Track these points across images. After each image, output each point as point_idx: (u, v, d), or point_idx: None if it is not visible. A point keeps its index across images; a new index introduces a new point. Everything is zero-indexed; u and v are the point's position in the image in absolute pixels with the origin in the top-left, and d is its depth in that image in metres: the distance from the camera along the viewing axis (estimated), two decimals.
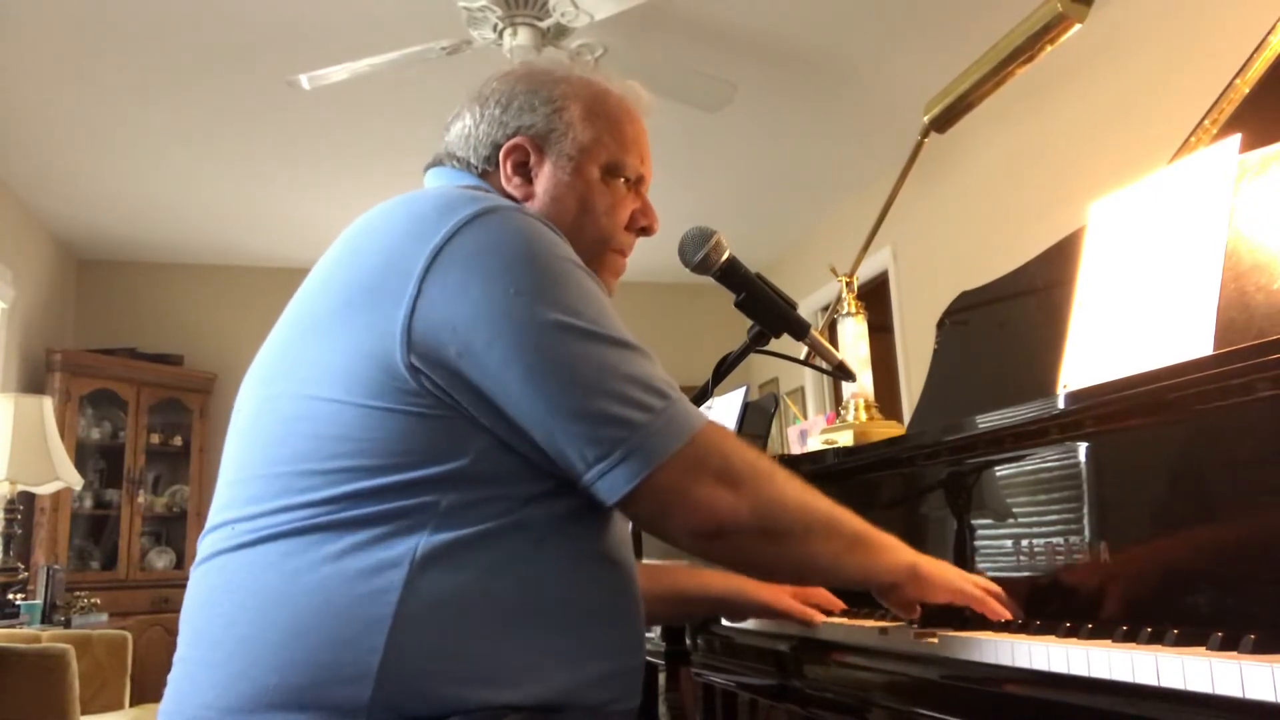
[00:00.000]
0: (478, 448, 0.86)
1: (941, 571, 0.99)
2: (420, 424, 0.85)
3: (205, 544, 0.92)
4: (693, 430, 0.88)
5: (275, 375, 0.94)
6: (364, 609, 0.81)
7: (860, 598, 1.18)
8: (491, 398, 0.86)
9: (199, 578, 0.91)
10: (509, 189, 1.07)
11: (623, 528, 1.00)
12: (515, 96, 1.08)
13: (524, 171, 1.07)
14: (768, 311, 1.29)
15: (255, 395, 0.95)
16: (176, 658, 0.90)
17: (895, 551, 0.98)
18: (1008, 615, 0.96)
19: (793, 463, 1.46)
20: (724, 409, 2.21)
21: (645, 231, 1.13)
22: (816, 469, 1.40)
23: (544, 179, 1.07)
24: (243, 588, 0.86)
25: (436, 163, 1.12)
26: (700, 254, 1.26)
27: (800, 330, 1.30)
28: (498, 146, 1.07)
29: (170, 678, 0.90)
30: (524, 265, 0.88)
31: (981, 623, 0.97)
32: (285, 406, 0.90)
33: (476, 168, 1.08)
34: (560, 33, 3.12)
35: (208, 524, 0.93)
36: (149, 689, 4.09)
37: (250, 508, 0.88)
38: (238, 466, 0.93)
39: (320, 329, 0.91)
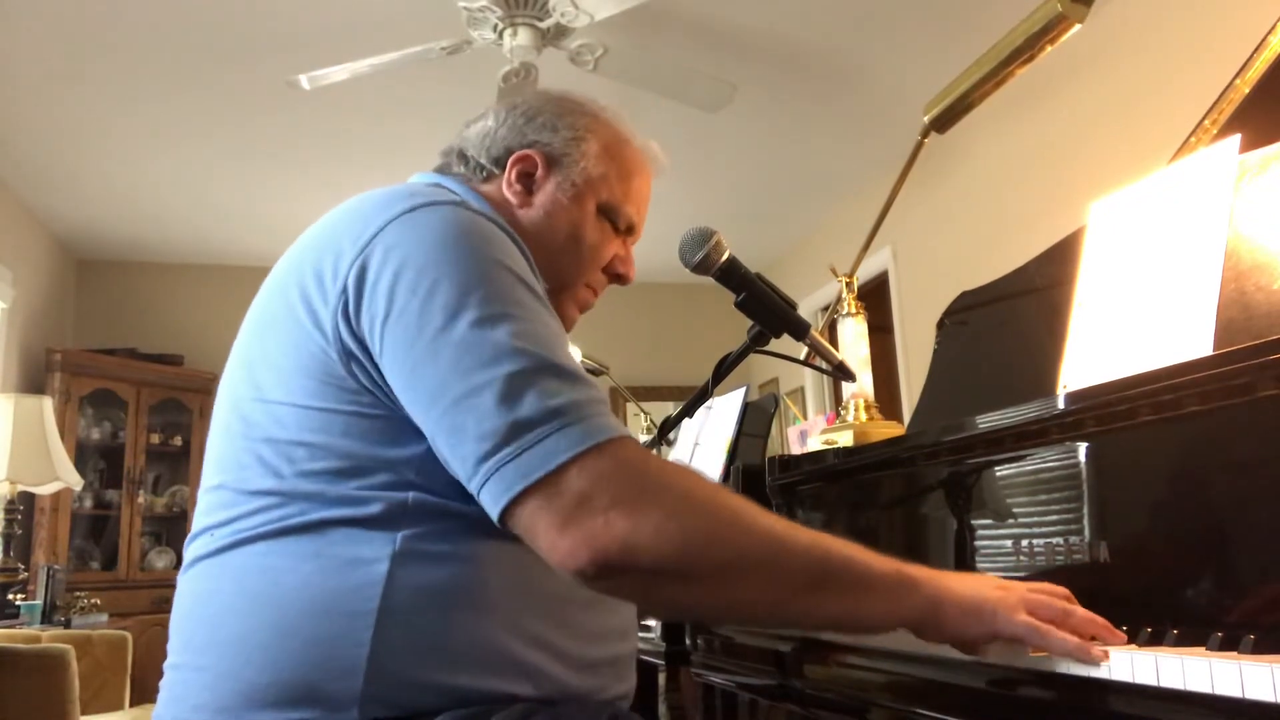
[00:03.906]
0: (422, 447, 0.84)
1: (974, 613, 0.80)
2: (364, 424, 0.85)
3: (189, 551, 0.92)
4: (585, 443, 0.76)
5: (238, 380, 0.94)
6: (348, 604, 0.82)
7: None
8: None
9: (184, 585, 0.91)
10: (508, 194, 1.07)
11: None
12: (541, 113, 1.10)
13: (528, 182, 1.08)
14: (768, 311, 1.29)
15: (224, 400, 0.96)
16: (167, 665, 0.90)
17: (898, 595, 0.80)
18: (1097, 654, 0.74)
19: (793, 463, 1.46)
20: (724, 409, 2.21)
21: (620, 279, 1.15)
22: (816, 469, 1.40)
23: (544, 195, 1.08)
24: (227, 591, 0.86)
25: (440, 166, 1.12)
26: (700, 254, 1.27)
27: (800, 330, 1.30)
28: (510, 151, 1.08)
29: (162, 684, 0.90)
30: (438, 259, 0.84)
31: None
32: (245, 411, 0.91)
33: (483, 168, 1.09)
34: (560, 33, 3.12)
35: (191, 530, 0.93)
36: (149, 689, 4.08)
37: (225, 513, 0.88)
38: (212, 473, 0.93)
39: (270, 330, 0.92)
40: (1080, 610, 0.80)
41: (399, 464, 0.85)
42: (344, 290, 0.86)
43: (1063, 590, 0.84)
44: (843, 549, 0.82)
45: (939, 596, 0.81)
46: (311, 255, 0.91)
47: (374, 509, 0.84)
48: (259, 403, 0.89)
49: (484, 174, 1.09)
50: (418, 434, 0.85)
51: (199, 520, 0.92)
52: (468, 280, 0.83)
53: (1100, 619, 0.79)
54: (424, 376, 0.81)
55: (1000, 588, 0.82)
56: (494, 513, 0.78)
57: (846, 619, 0.84)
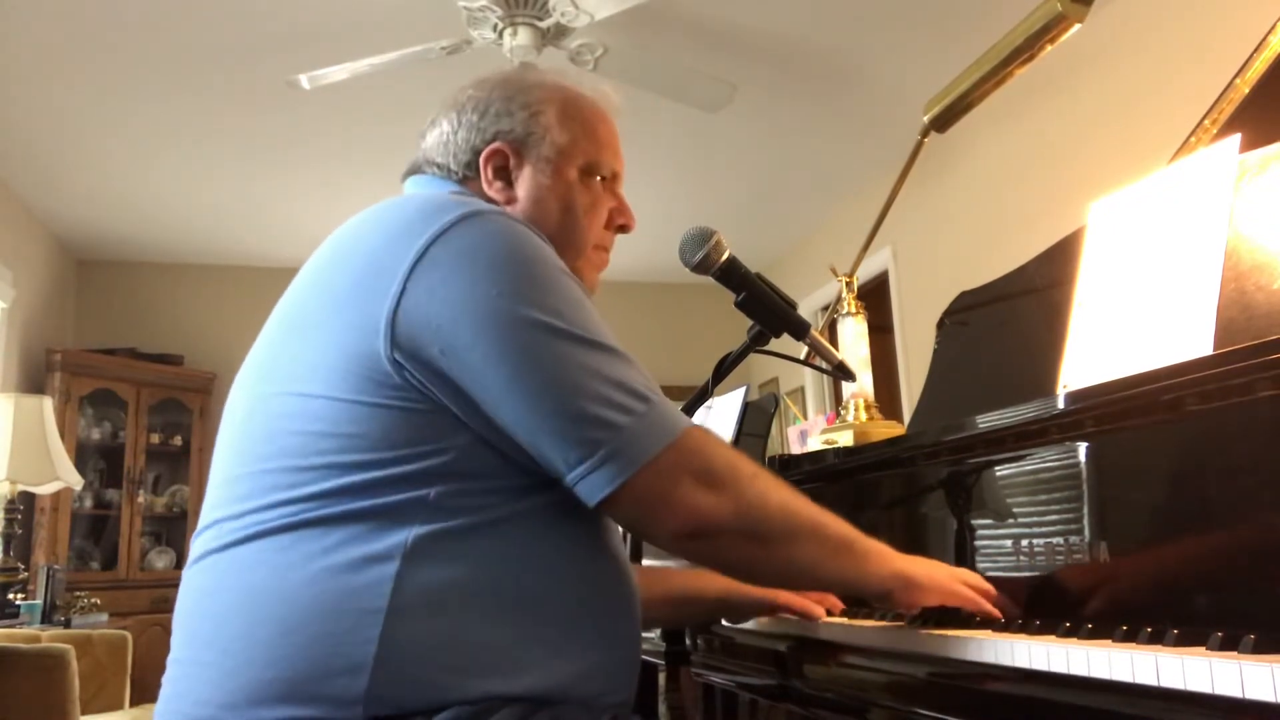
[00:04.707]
0: (461, 443, 0.87)
1: (931, 574, 0.99)
2: (404, 418, 0.86)
3: (196, 544, 0.92)
4: (675, 433, 0.89)
5: (264, 375, 0.94)
6: (357, 602, 0.82)
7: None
8: (472, 397, 0.87)
9: (190, 578, 0.91)
10: (491, 193, 1.08)
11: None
12: (492, 103, 1.09)
13: (505, 176, 1.08)
14: (768, 311, 1.29)
15: (245, 395, 0.96)
16: (170, 659, 0.90)
17: (883, 559, 0.98)
18: (998, 615, 0.97)
19: (793, 463, 1.46)
20: (724, 409, 2.21)
21: (623, 229, 1.16)
22: (816, 469, 1.40)
23: (525, 183, 1.08)
24: (234, 586, 0.86)
25: (415, 170, 1.13)
26: (700, 254, 1.26)
27: (800, 330, 1.30)
28: (477, 152, 1.08)
29: (165, 679, 0.90)
30: (508, 267, 0.89)
31: (982, 622, 0.97)
32: (273, 405, 0.91)
33: (456, 174, 1.09)
34: (560, 33, 3.12)
35: (199, 524, 0.93)
36: (149, 689, 4.08)
37: (239, 506, 0.88)
38: (228, 465, 0.93)
39: (307, 328, 0.92)
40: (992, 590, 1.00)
41: (432, 457, 0.86)
42: (403, 291, 0.87)
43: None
44: (842, 521, 0.98)
45: (905, 566, 0.99)
46: (354, 260, 0.92)
47: (393, 500, 0.84)
48: (291, 396, 0.89)
49: (459, 180, 1.09)
50: (458, 430, 0.87)
51: (209, 514, 0.92)
52: (541, 286, 0.89)
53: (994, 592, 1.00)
54: (523, 382, 0.86)
55: (939, 565, 1.01)
56: (608, 490, 0.86)
57: (856, 577, 0.99)
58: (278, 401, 0.90)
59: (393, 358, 0.86)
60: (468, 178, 1.09)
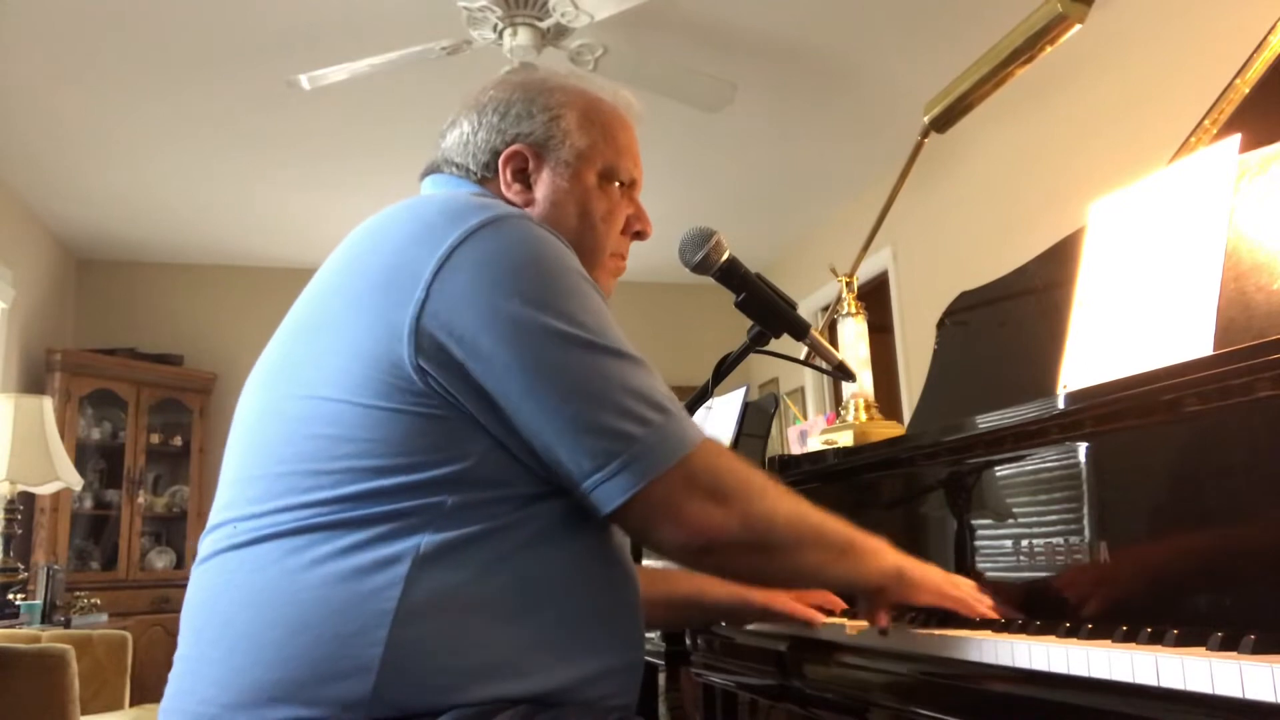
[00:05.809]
0: (480, 450, 0.87)
1: (925, 574, 1.00)
2: (424, 424, 0.86)
3: (206, 543, 0.92)
4: (688, 446, 0.89)
5: (279, 377, 0.94)
6: (366, 605, 0.82)
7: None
8: (494, 402, 0.87)
9: (199, 577, 0.91)
10: (509, 195, 1.07)
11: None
12: (513, 104, 1.09)
13: (523, 178, 1.08)
14: (768, 311, 1.29)
15: (259, 396, 0.95)
16: (177, 656, 0.90)
17: (881, 556, 1.00)
18: (994, 616, 0.97)
19: (792, 463, 1.46)
20: (724, 409, 2.21)
21: (639, 236, 1.15)
22: (816, 469, 1.40)
23: (543, 185, 1.08)
24: (243, 585, 0.86)
25: (433, 169, 1.13)
26: (700, 254, 1.26)
27: (800, 330, 1.30)
28: (496, 153, 1.08)
29: (170, 676, 0.90)
30: (530, 274, 0.89)
31: (982, 622, 0.97)
32: (289, 407, 0.91)
33: (475, 174, 1.09)
34: (560, 33, 3.12)
35: (209, 523, 0.93)
36: (149, 689, 4.09)
37: (252, 507, 0.88)
38: (240, 466, 0.93)
39: (325, 330, 0.92)
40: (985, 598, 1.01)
41: (450, 464, 0.86)
42: (426, 296, 0.86)
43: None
44: (844, 523, 0.99)
45: (900, 563, 1.00)
46: (375, 261, 0.92)
47: (409, 505, 0.84)
48: (309, 399, 0.89)
49: (478, 180, 1.09)
50: (476, 436, 0.87)
51: (220, 513, 0.92)
52: (563, 294, 0.90)
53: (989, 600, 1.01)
54: (542, 389, 0.86)
55: (935, 568, 1.02)
56: (620, 499, 0.86)
57: (856, 577, 1.00)
58: (295, 404, 0.90)
59: (416, 363, 0.85)
60: (486, 178, 1.09)
